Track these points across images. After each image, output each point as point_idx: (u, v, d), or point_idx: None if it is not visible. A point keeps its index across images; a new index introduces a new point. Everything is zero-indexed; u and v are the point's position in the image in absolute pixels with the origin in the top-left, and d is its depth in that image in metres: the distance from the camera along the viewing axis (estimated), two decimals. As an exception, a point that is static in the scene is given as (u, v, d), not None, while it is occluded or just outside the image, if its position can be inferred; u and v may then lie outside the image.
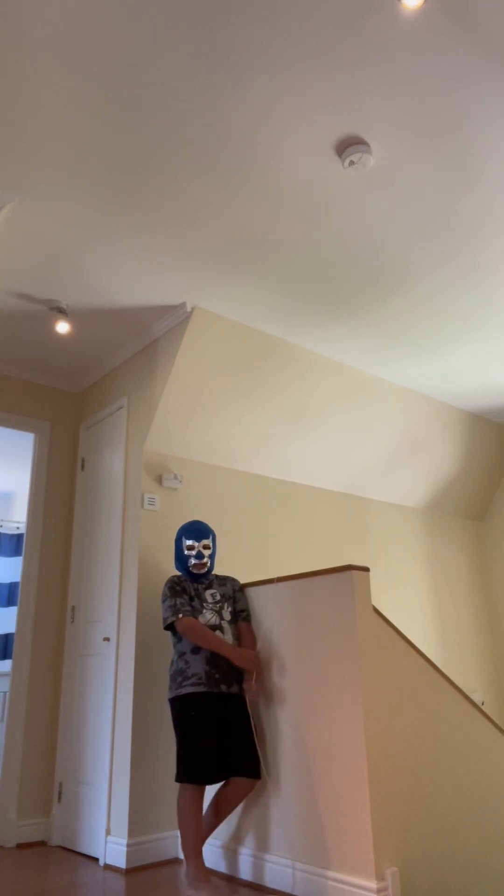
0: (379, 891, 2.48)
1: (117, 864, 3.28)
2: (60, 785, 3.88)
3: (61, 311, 3.73)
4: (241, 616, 3.27)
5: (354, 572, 2.87)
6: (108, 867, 3.33)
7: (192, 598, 3.19)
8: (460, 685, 5.21)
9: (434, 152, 2.71)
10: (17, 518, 6.27)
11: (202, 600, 3.19)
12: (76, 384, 4.68)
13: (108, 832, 3.42)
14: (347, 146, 2.66)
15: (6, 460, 5.59)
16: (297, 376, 4.31)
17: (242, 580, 4.08)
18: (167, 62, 2.29)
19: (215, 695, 3.01)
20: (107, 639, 3.77)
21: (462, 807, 2.94)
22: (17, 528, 6.13)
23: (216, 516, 4.11)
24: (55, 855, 3.58)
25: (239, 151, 2.69)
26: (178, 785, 3.09)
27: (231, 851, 3.10)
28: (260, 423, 4.30)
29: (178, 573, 3.29)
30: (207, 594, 3.23)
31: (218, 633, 3.10)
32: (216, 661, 3.06)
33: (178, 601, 3.12)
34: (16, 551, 6.02)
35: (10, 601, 5.82)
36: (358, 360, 4.49)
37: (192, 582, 3.25)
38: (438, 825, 2.81)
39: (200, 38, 2.21)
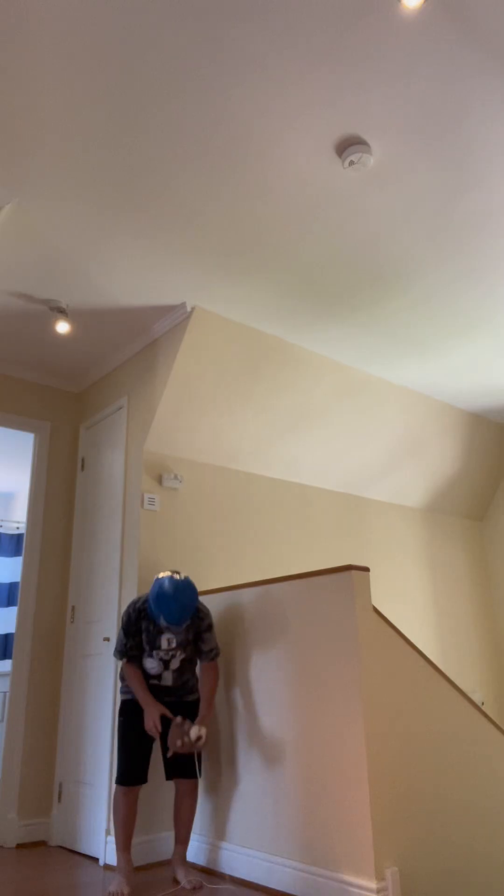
0: (379, 891, 2.48)
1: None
2: (60, 785, 3.88)
3: (61, 311, 3.73)
4: (209, 656, 3.15)
5: (354, 572, 2.87)
6: (108, 867, 3.33)
7: (143, 635, 3.12)
8: (460, 685, 5.21)
9: (434, 152, 2.71)
10: (17, 518, 6.27)
11: (154, 646, 3.11)
12: (76, 384, 4.68)
13: (108, 832, 3.42)
14: (347, 146, 2.66)
15: (6, 460, 5.59)
16: (297, 376, 4.31)
17: (241, 580, 4.08)
18: (166, 62, 2.29)
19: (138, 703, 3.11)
20: (107, 639, 3.77)
21: (462, 807, 2.94)
22: (17, 528, 6.13)
23: (216, 516, 4.11)
24: (55, 855, 3.58)
25: (239, 151, 2.69)
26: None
27: (232, 851, 3.10)
28: (260, 422, 4.30)
29: (142, 599, 3.17)
30: (163, 639, 3.12)
31: (154, 682, 3.14)
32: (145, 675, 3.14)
33: (129, 643, 3.11)
34: (16, 551, 6.02)
35: (10, 601, 5.82)
36: (358, 360, 4.49)
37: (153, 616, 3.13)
38: (439, 825, 2.81)
39: (199, 38, 2.21)
